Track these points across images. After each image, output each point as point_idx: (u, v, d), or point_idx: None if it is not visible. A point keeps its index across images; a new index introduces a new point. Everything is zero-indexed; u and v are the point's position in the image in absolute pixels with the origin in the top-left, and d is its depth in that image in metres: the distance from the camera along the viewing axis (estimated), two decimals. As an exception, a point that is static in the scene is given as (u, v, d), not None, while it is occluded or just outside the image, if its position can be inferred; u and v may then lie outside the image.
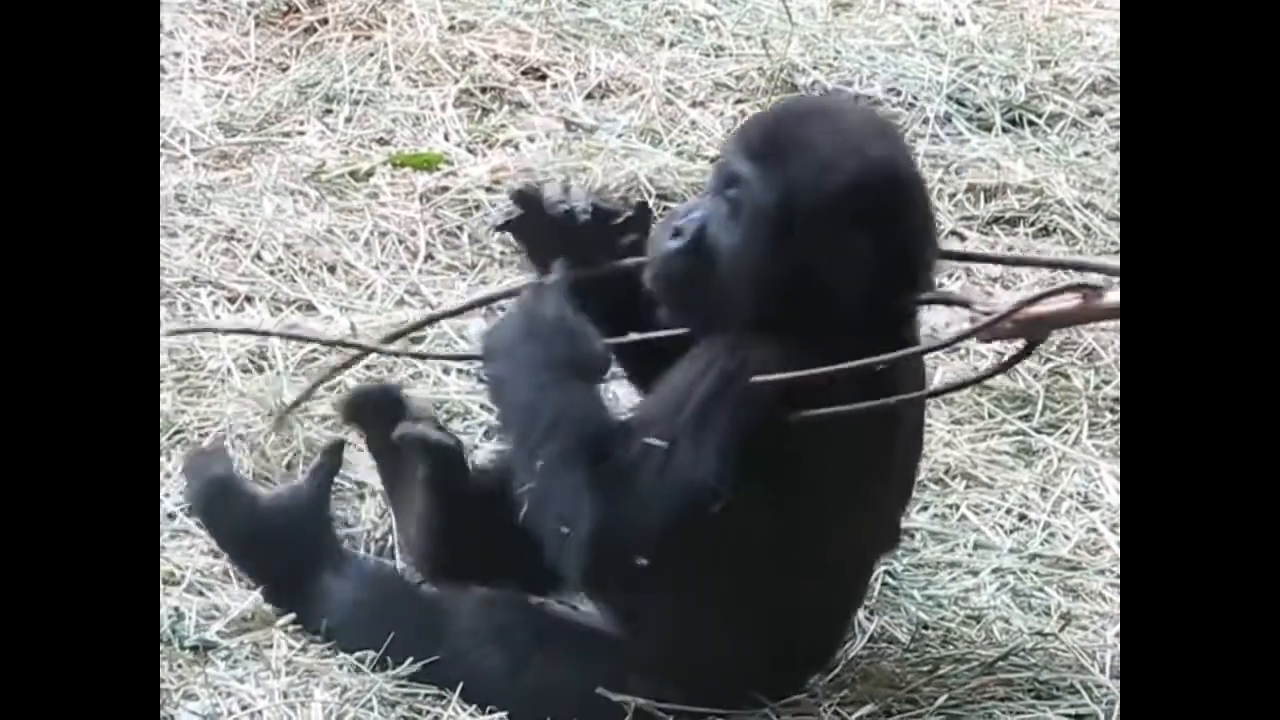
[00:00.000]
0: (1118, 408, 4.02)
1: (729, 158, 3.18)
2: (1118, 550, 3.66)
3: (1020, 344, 3.12)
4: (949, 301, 3.24)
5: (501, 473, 3.55)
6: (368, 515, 3.62)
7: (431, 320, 3.83)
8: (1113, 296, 2.97)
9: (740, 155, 3.15)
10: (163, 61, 4.82)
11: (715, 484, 3.04)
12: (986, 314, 3.04)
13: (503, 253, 4.28)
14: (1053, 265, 3.72)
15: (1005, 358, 3.30)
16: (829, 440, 3.09)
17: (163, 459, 3.66)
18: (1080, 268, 3.29)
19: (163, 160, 4.47)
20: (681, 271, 3.16)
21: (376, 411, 3.55)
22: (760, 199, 3.09)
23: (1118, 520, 3.72)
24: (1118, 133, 4.92)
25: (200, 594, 3.39)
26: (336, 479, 3.48)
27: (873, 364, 3.01)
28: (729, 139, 3.26)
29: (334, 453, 3.46)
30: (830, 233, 3.07)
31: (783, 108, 3.53)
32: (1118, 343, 4.14)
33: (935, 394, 3.13)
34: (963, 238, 4.44)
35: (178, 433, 3.72)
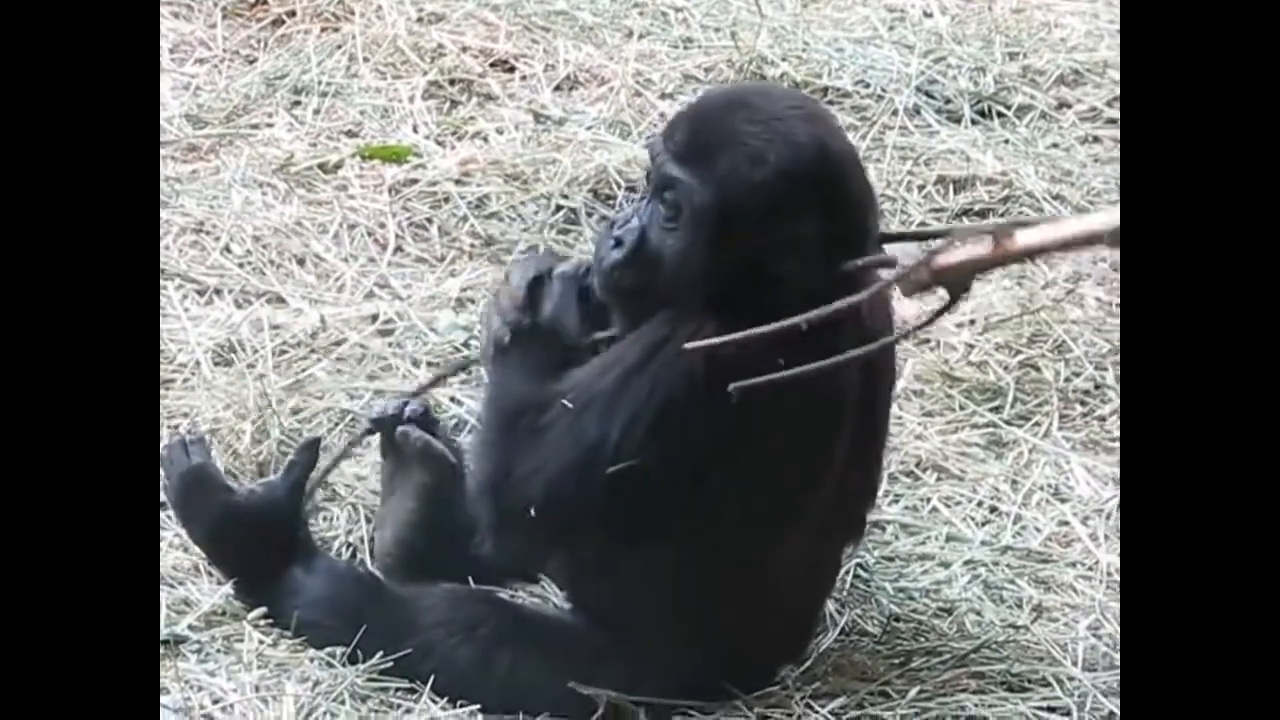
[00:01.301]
0: (1088, 400, 4.04)
1: (660, 159, 3.16)
2: (1089, 542, 3.67)
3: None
4: (876, 263, 3.19)
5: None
6: (339, 518, 3.62)
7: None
8: (1023, 238, 2.93)
9: (670, 157, 3.14)
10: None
11: (617, 441, 3.05)
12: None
13: (472, 245, 4.28)
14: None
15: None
16: (759, 419, 3.06)
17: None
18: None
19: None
20: (627, 279, 3.15)
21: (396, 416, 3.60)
22: (696, 201, 3.08)
23: (1088, 513, 3.74)
24: (1087, 124, 4.93)
25: (171, 587, 3.37)
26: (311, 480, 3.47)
27: (790, 325, 2.97)
28: (656, 137, 3.24)
29: (309, 450, 3.45)
30: (771, 225, 3.07)
31: (706, 102, 3.48)
32: (1088, 335, 4.16)
33: (849, 358, 3.06)
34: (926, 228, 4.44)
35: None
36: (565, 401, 3.10)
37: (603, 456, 3.06)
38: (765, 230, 3.07)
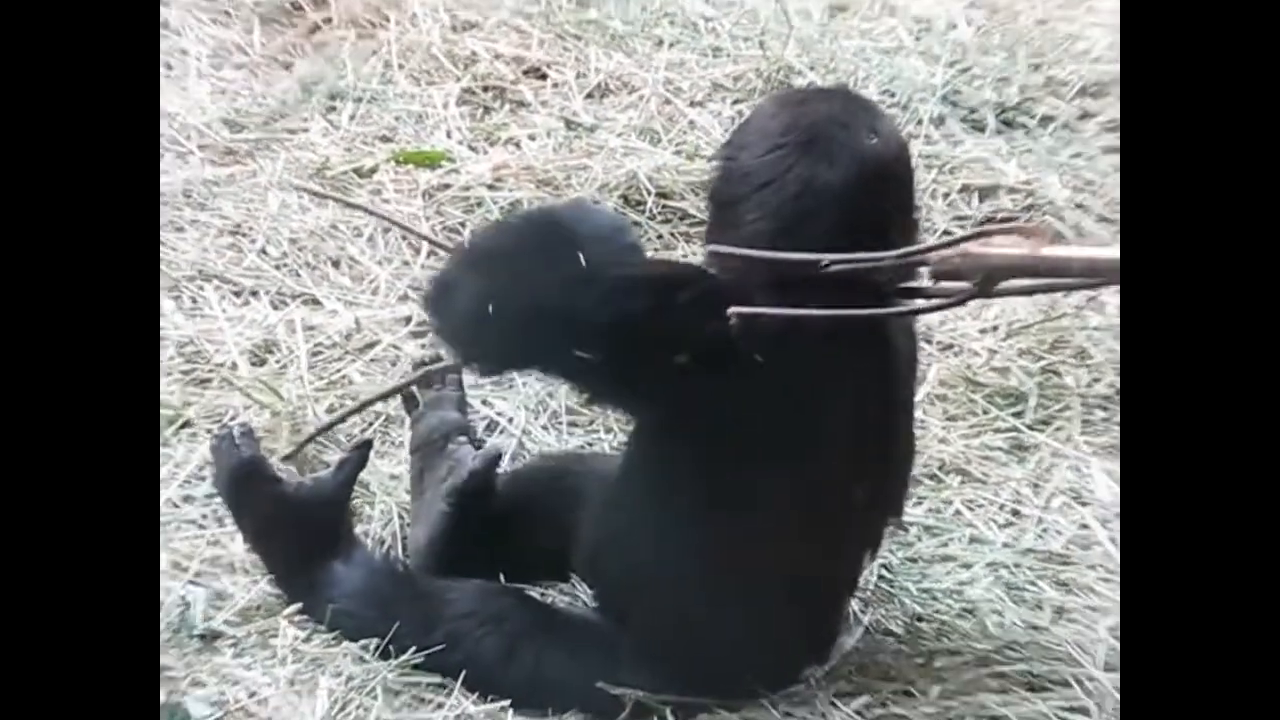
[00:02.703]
0: (1109, 405, 4.04)
1: None
2: (1109, 545, 3.68)
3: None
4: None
5: (517, 488, 3.61)
6: (376, 515, 3.63)
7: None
8: (1060, 250, 2.93)
9: None
10: (169, 59, 4.84)
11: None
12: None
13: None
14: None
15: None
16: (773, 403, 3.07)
17: (168, 450, 3.68)
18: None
19: (169, 156, 4.48)
20: None
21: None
22: None
23: (1109, 516, 3.74)
24: (1109, 135, 4.94)
25: (207, 584, 3.39)
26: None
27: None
28: None
29: (362, 449, 3.46)
30: None
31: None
32: (1109, 341, 4.17)
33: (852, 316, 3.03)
34: (950, 236, 4.44)
35: (185, 424, 3.73)
36: None
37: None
38: None
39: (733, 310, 2.94)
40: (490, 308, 3.00)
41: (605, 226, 3.10)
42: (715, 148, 4.39)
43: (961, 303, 3.04)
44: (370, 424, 3.79)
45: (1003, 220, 2.99)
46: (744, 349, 2.98)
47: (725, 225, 3.12)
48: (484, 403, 3.86)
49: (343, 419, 3.63)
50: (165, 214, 4.28)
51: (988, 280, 2.93)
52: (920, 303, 3.11)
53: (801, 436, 3.11)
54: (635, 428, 3.31)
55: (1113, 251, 2.79)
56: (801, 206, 3.04)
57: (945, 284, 2.99)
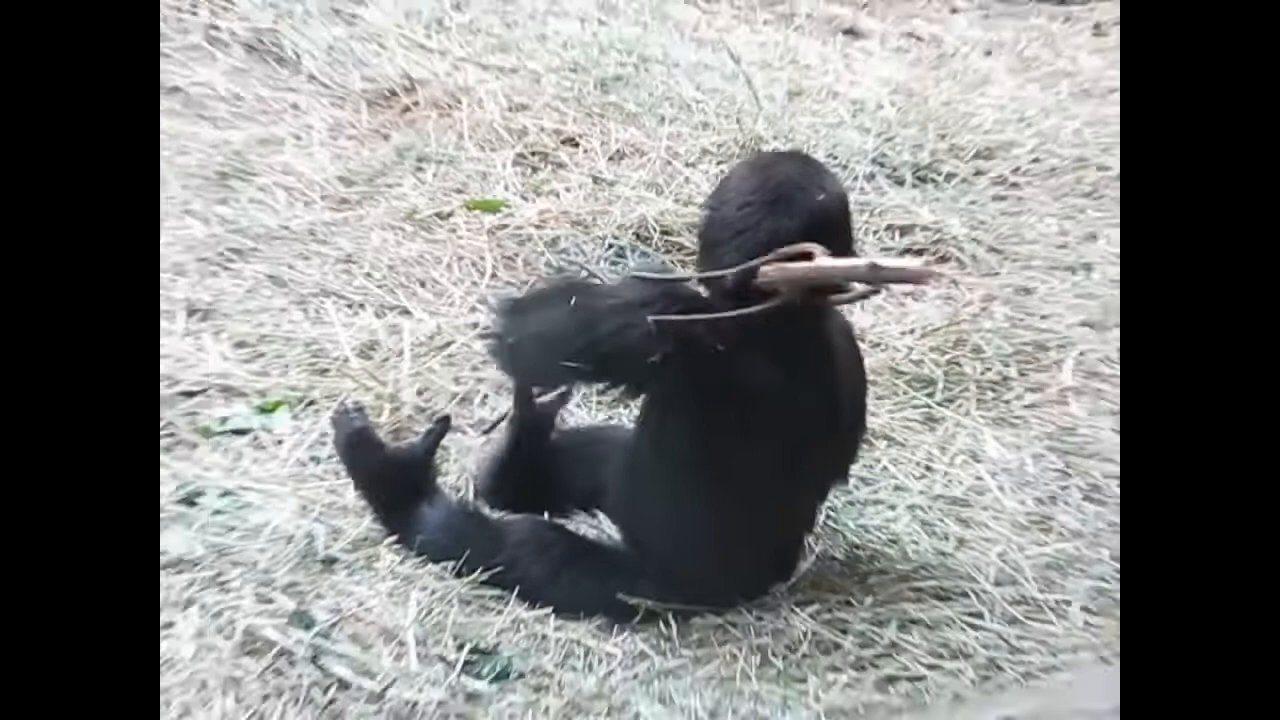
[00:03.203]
0: (996, 388, 4.03)
1: None
2: (998, 492, 3.67)
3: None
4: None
5: (559, 448, 3.61)
6: (453, 471, 3.61)
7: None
8: (821, 262, 2.97)
9: None
10: (299, 132, 4.83)
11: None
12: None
13: (546, 271, 4.30)
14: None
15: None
16: (735, 396, 3.09)
17: (298, 422, 3.68)
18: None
19: (298, 204, 4.49)
20: None
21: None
22: None
23: (997, 470, 3.73)
24: (997, 187, 4.94)
25: (327, 522, 3.39)
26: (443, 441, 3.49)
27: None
28: None
29: (443, 423, 3.46)
30: None
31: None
32: (997, 340, 4.16)
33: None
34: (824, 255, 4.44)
35: (310, 403, 3.72)
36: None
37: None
38: None
39: (651, 317, 3.00)
40: (531, 344, 3.10)
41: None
42: (704, 198, 4.42)
43: (782, 305, 3.03)
44: (448, 403, 3.76)
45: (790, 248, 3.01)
46: (709, 345, 3.01)
47: (712, 261, 3.13)
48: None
49: (495, 424, 3.62)
50: (294, 247, 4.28)
51: (792, 289, 3.00)
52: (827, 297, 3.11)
53: (757, 410, 3.11)
54: (643, 406, 3.32)
55: (857, 261, 2.88)
56: (769, 249, 3.04)
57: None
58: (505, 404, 3.63)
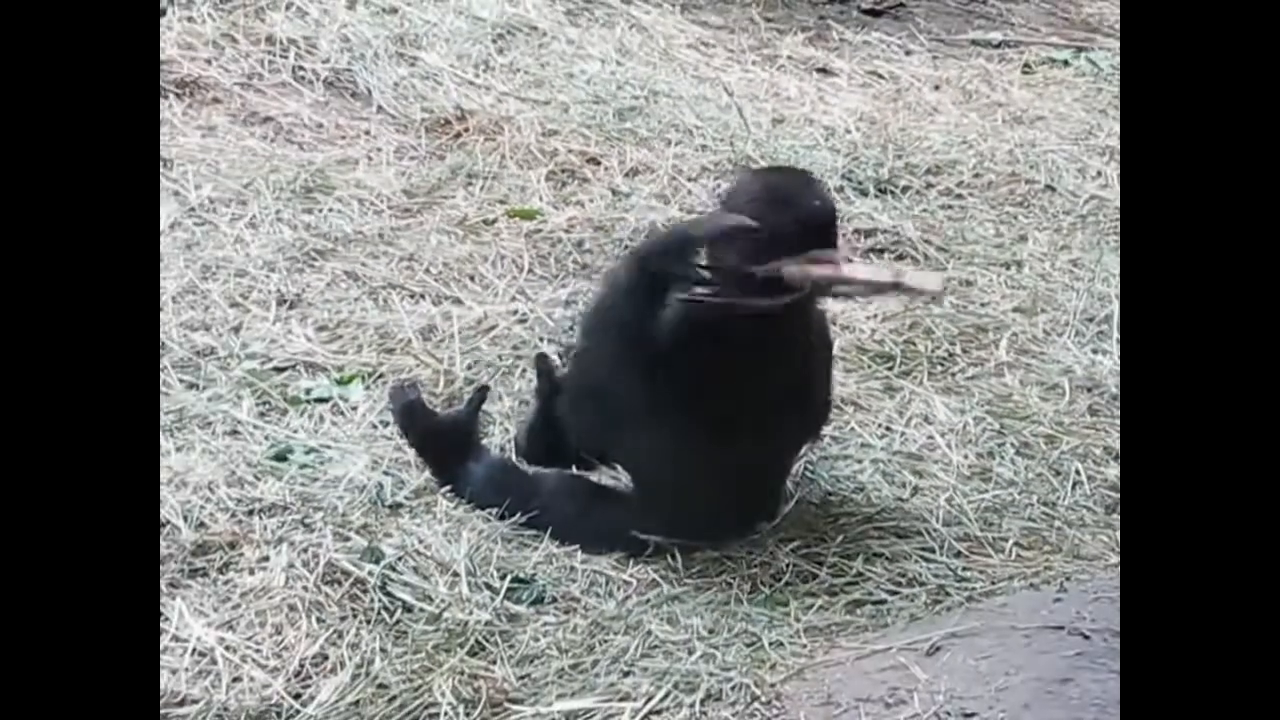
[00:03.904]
0: (945, 363, 3.99)
1: None
2: (946, 449, 3.63)
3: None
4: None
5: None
6: (496, 434, 3.59)
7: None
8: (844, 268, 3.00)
9: None
10: (370, 154, 4.81)
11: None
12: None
13: (574, 269, 4.28)
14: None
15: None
16: (720, 368, 3.10)
17: (370, 392, 3.65)
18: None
19: (369, 213, 4.46)
20: None
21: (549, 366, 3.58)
22: None
23: (945, 430, 3.69)
24: (944, 197, 4.90)
25: (393, 474, 3.37)
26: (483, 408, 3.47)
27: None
28: None
29: (482, 391, 3.46)
30: None
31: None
32: (945, 323, 4.13)
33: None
34: (850, 261, 4.40)
35: (380, 377, 3.70)
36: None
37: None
38: None
39: (679, 298, 3.03)
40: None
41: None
42: (704, 208, 4.41)
43: (799, 298, 3.03)
44: (490, 377, 3.75)
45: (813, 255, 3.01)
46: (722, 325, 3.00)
47: (721, 253, 3.12)
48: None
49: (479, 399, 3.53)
50: (366, 248, 4.25)
51: (815, 287, 2.99)
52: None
53: (746, 379, 3.11)
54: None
55: (878, 271, 2.85)
56: (772, 244, 3.02)
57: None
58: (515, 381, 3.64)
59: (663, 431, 3.21)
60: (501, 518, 3.25)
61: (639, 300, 3.11)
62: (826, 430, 3.52)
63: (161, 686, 2.71)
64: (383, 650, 2.86)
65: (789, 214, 3.07)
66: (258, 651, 2.82)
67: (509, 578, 3.08)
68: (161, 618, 2.85)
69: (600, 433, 3.26)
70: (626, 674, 2.89)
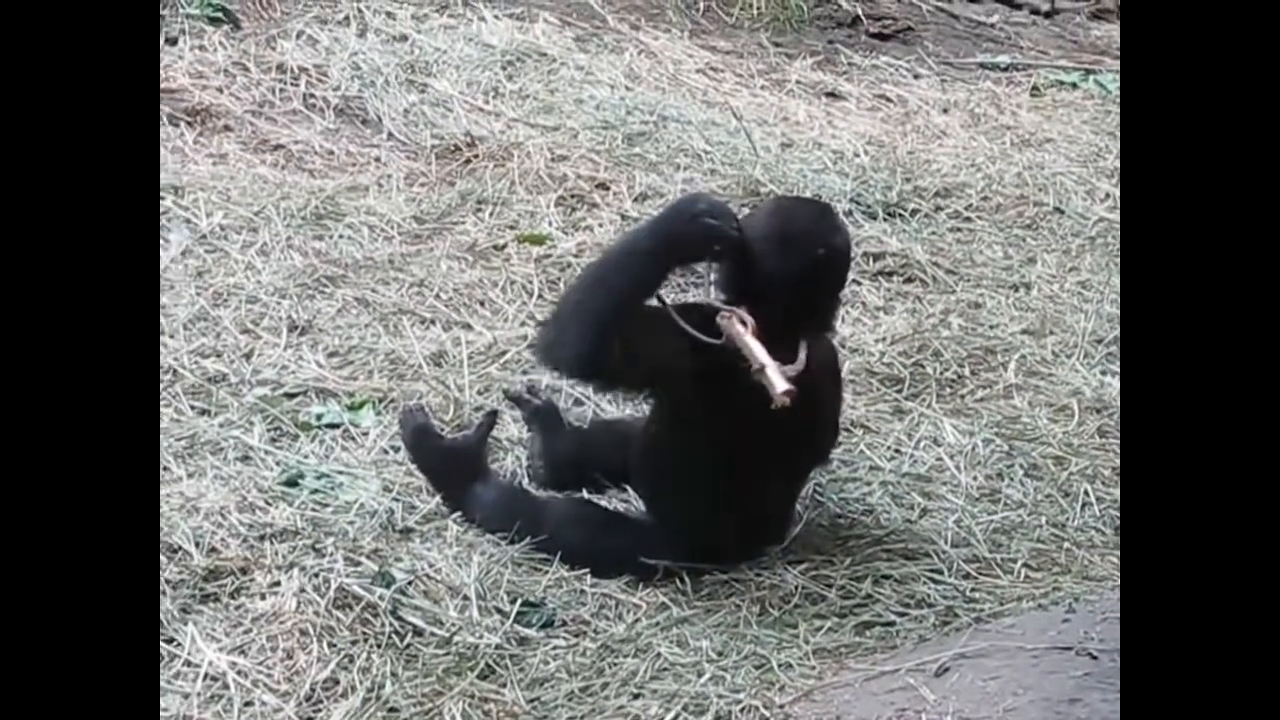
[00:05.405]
0: (953, 385, 4.00)
1: None
2: (955, 471, 3.64)
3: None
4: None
5: (585, 428, 3.60)
6: (506, 457, 3.61)
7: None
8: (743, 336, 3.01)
9: None
10: (381, 181, 4.83)
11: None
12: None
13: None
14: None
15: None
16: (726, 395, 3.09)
17: (380, 418, 3.66)
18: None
19: (379, 239, 4.48)
20: None
21: (522, 396, 3.65)
22: None
23: (954, 452, 3.70)
24: (953, 220, 4.92)
25: (403, 499, 3.38)
26: (492, 434, 3.49)
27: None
28: None
29: (490, 416, 3.48)
30: None
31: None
32: (954, 346, 4.14)
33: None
34: (859, 283, 4.43)
35: (390, 402, 3.71)
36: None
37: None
38: None
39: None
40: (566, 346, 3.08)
41: None
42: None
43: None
44: (499, 402, 3.76)
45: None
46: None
47: (726, 273, 3.16)
48: (580, 396, 3.82)
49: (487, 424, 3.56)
50: (376, 274, 4.27)
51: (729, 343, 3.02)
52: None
53: (749, 408, 3.07)
54: (654, 405, 3.30)
55: (758, 353, 2.87)
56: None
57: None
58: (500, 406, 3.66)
59: (672, 457, 3.24)
60: (511, 542, 3.25)
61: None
62: (835, 453, 3.53)
63: (174, 711, 2.73)
64: (393, 674, 2.87)
65: (792, 258, 3.09)
66: (269, 676, 2.83)
67: (519, 601, 3.09)
68: (173, 643, 2.88)
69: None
70: (636, 696, 2.90)
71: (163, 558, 3.02)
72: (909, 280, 4.54)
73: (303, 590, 3.00)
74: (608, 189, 4.84)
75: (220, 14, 5.53)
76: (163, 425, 3.48)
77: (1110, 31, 6.82)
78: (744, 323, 3.01)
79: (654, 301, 3.12)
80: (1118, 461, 3.71)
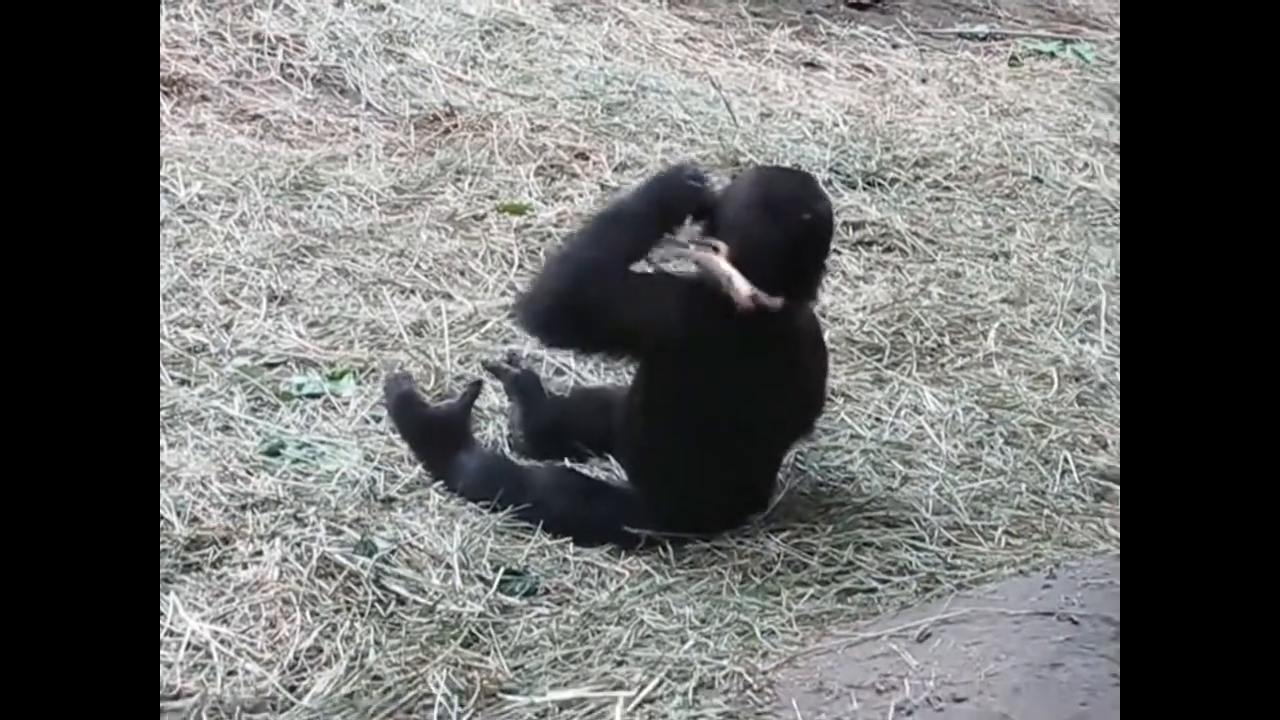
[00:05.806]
0: (933, 354, 4.02)
1: None
2: (935, 438, 3.66)
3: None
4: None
5: (567, 396, 3.60)
6: (489, 426, 3.61)
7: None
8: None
9: None
10: (360, 150, 4.82)
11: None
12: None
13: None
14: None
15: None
16: (718, 362, 3.11)
17: (361, 388, 3.65)
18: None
19: (359, 209, 4.47)
20: None
21: (501, 366, 3.65)
22: None
23: (934, 420, 3.72)
24: (931, 189, 4.92)
25: (386, 468, 3.38)
26: (476, 402, 3.49)
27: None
28: None
29: (475, 386, 3.47)
30: None
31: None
32: (934, 315, 4.15)
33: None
34: (839, 252, 4.43)
35: (371, 372, 3.71)
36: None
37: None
38: None
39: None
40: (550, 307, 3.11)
41: None
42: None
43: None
44: (481, 371, 3.75)
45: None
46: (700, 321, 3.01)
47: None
48: (561, 365, 3.83)
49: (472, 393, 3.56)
50: (356, 244, 4.26)
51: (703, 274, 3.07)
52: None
53: (736, 374, 3.12)
54: (639, 371, 3.31)
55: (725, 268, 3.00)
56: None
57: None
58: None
59: (655, 426, 3.24)
60: (494, 510, 3.25)
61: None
62: (818, 423, 3.53)
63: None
64: (377, 643, 2.87)
65: (777, 223, 3.09)
66: (252, 645, 2.83)
67: (502, 570, 3.09)
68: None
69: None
70: (619, 663, 2.91)
71: (145, 527, 3.00)
72: (888, 249, 4.54)
73: (285, 559, 3.00)
74: (587, 159, 4.83)
75: (196, -18, 5.49)
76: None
77: (1087, 1, 6.81)
78: (715, 249, 3.04)
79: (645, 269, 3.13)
80: (1097, 429, 3.73)
